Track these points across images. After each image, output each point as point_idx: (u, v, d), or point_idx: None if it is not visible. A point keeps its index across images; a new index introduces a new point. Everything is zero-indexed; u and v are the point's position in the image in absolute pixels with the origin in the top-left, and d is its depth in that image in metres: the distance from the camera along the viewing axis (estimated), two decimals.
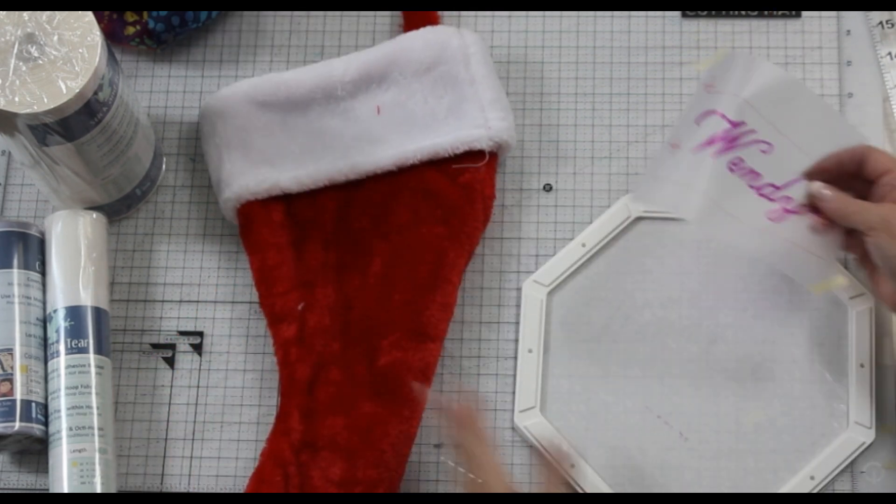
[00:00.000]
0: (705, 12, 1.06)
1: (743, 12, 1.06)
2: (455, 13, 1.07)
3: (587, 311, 0.99)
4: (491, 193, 1.00)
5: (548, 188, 1.03)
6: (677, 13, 1.07)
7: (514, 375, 0.98)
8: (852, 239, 0.90)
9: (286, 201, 1.00)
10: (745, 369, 0.97)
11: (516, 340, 0.98)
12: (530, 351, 0.98)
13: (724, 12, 1.06)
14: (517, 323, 0.99)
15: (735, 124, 0.90)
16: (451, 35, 1.00)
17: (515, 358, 0.98)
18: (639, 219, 1.01)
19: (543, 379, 0.97)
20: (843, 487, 0.94)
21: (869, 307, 0.97)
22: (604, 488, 0.94)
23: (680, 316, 0.98)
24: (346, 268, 0.98)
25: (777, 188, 0.91)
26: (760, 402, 0.96)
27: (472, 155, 0.98)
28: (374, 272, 0.98)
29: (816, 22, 1.06)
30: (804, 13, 1.06)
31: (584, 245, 1.00)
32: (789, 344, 0.97)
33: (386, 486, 0.93)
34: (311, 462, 0.93)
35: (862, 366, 0.96)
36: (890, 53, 1.04)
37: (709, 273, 0.99)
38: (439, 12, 1.05)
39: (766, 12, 1.06)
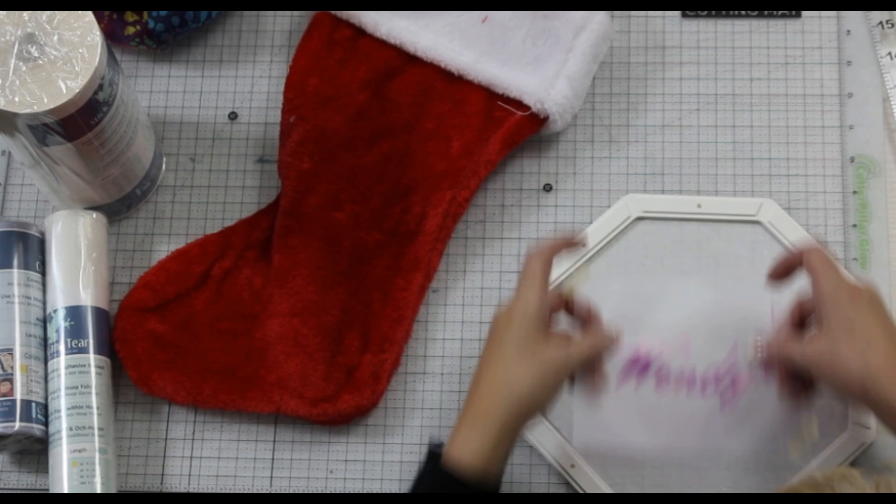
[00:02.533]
0: (705, 12, 1.06)
1: (743, 12, 1.06)
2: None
3: None
4: (497, 151, 1.00)
5: (548, 188, 1.03)
6: (677, 13, 1.07)
7: None
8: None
9: (357, 32, 1.03)
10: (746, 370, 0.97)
11: None
12: None
13: (724, 12, 1.06)
14: None
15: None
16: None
17: None
18: (639, 219, 1.01)
19: None
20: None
21: None
22: (604, 488, 0.94)
23: (680, 315, 0.98)
24: (361, 116, 1.01)
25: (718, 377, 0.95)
26: (764, 403, 0.96)
27: (522, 108, 1.00)
28: (377, 151, 1.00)
29: (816, 22, 1.06)
30: (804, 13, 1.06)
31: (584, 245, 1.00)
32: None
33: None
34: (248, 265, 0.99)
35: None
36: (890, 53, 1.04)
37: (709, 273, 0.99)
38: None
39: (766, 12, 1.06)
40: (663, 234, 1.01)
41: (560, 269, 0.99)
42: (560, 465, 0.95)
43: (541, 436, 0.96)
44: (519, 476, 0.96)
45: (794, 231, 0.99)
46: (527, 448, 0.96)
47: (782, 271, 0.89)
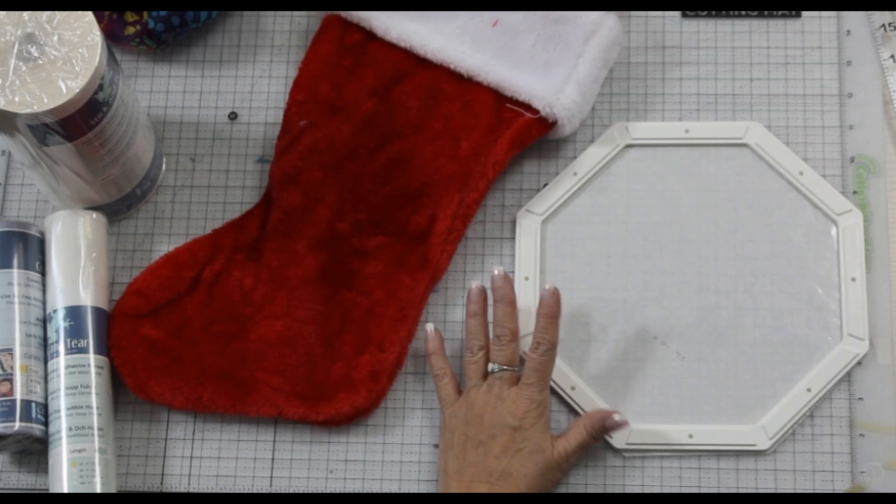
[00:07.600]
0: (705, 12, 1.06)
1: (743, 12, 1.06)
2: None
3: (581, 238, 1.00)
4: (505, 151, 1.00)
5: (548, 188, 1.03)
6: (677, 13, 1.07)
7: None
8: None
9: (367, 36, 1.03)
10: (738, 288, 0.98)
11: (514, 270, 1.00)
12: (527, 279, 0.99)
13: (724, 12, 1.06)
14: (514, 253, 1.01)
15: None
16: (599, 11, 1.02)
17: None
18: (628, 146, 1.02)
19: None
20: (841, 399, 0.96)
21: (857, 223, 0.98)
22: (603, 406, 0.96)
23: (672, 239, 1.00)
24: (368, 123, 1.01)
25: None
26: (755, 320, 0.97)
27: (531, 112, 1.00)
28: (384, 155, 1.00)
29: (816, 22, 1.06)
30: (804, 13, 1.06)
31: (575, 174, 1.01)
32: (780, 262, 0.99)
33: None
34: (237, 267, 0.99)
35: (853, 279, 0.97)
36: (892, 56, 1.04)
37: (698, 196, 1.01)
38: None
39: (766, 12, 1.06)
40: (653, 160, 1.02)
41: (548, 203, 1.01)
42: (560, 387, 0.96)
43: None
44: None
45: (780, 152, 1.01)
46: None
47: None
